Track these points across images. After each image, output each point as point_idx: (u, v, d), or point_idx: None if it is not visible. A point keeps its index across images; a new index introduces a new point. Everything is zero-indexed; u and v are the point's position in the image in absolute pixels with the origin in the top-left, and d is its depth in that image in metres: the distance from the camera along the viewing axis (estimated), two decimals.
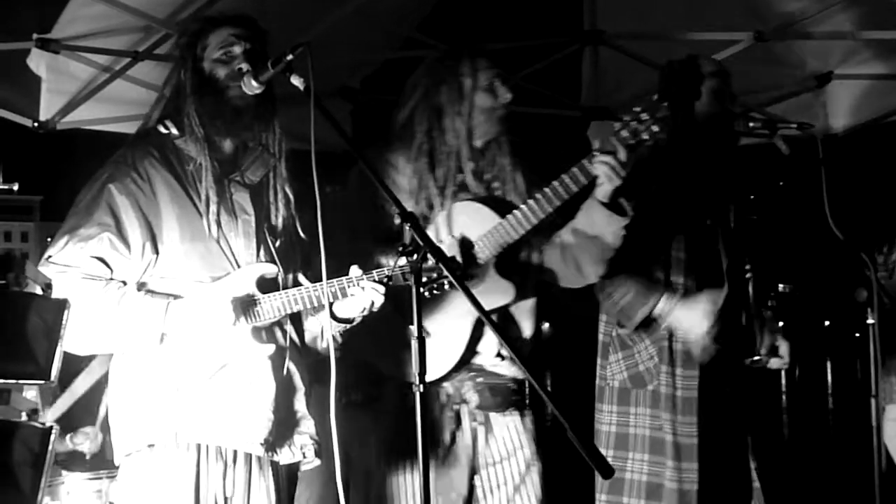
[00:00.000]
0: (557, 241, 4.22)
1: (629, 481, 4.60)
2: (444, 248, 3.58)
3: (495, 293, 4.05)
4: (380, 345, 3.99)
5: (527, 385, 4.25)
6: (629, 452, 4.61)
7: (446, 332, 4.02)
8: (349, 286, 3.50)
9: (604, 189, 3.97)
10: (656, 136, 3.93)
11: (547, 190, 3.98)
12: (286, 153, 3.73)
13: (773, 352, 4.89)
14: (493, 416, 4.20)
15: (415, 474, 3.98)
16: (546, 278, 4.29)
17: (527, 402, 4.31)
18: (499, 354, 4.14)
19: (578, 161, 3.97)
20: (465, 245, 4.01)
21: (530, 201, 3.99)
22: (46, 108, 6.72)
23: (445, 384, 4.13)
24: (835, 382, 29.78)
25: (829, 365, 33.74)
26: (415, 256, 3.25)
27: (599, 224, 4.05)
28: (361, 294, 3.51)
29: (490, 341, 4.14)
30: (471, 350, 4.11)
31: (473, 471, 4.18)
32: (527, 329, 4.25)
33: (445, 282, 3.40)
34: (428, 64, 4.35)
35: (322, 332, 3.74)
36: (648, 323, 4.59)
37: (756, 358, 4.84)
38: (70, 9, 5.80)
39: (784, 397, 24.22)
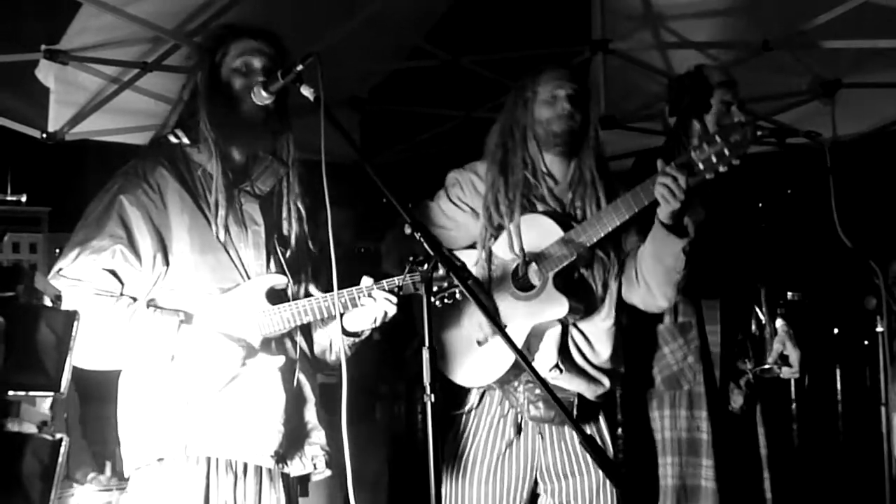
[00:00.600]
0: (632, 261, 4.22)
1: (663, 487, 4.60)
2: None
3: (549, 306, 4.05)
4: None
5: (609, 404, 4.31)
6: (659, 458, 4.61)
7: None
8: (360, 297, 3.50)
9: (663, 210, 3.95)
10: (731, 165, 3.87)
11: (609, 209, 4.00)
12: (296, 163, 3.74)
13: (784, 360, 4.87)
14: (556, 429, 4.18)
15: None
16: (626, 298, 4.28)
17: (601, 418, 4.29)
18: (557, 366, 4.12)
19: (643, 182, 3.96)
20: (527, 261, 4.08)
21: (591, 219, 4.02)
22: (55, 119, 6.74)
23: (508, 391, 4.14)
24: (844, 390, 29.68)
25: (838, 372, 33.62)
26: (425, 266, 3.25)
27: (659, 245, 4.04)
28: (373, 305, 3.52)
29: (548, 353, 4.13)
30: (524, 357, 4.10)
31: (535, 480, 4.17)
32: (604, 351, 4.21)
33: (457, 291, 3.40)
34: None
35: (331, 344, 3.74)
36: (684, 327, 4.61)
37: (766, 367, 4.83)
38: (79, 20, 5.82)
39: (794, 405, 24.13)
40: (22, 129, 6.84)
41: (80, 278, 3.39)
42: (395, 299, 3.52)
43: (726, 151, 3.81)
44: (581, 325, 4.19)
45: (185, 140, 3.61)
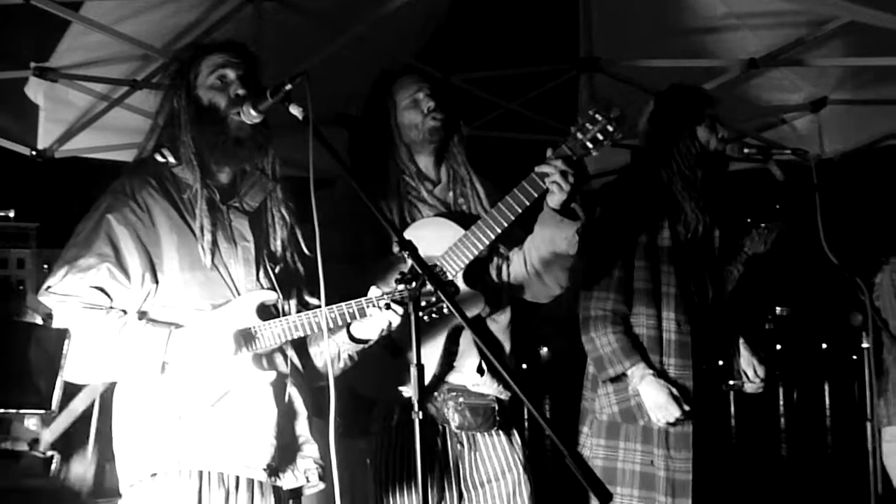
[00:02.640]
0: (520, 253, 4.25)
1: None
2: None
3: (467, 305, 4.06)
4: (366, 373, 4.00)
5: (520, 406, 4.27)
6: (617, 487, 4.59)
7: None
8: (368, 306, 3.53)
9: (554, 198, 3.99)
10: (603, 145, 3.91)
11: (508, 199, 4.00)
12: (282, 178, 3.76)
13: (750, 375, 4.93)
14: (478, 436, 4.22)
15: (412, 497, 4.08)
16: (516, 293, 4.32)
17: (514, 421, 4.32)
18: (479, 370, 4.17)
19: (530, 172, 4.00)
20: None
21: (491, 211, 4.02)
22: (44, 136, 6.76)
23: (427, 405, 4.15)
24: (832, 403, 29.78)
25: (826, 386, 33.74)
26: (413, 284, 3.28)
27: (551, 231, 4.07)
28: (379, 315, 3.54)
29: (470, 359, 4.18)
30: (446, 365, 4.16)
31: (461, 494, 4.19)
32: (505, 346, 4.28)
33: (444, 307, 3.42)
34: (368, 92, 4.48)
35: (339, 353, 3.75)
36: (618, 379, 4.64)
37: (731, 382, 4.87)
38: (68, 38, 5.84)
39: (783, 419, 24.22)
40: (11, 147, 6.86)
41: (68, 294, 3.41)
42: (401, 310, 3.53)
43: (610, 127, 3.86)
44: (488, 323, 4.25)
45: (172, 160, 3.62)
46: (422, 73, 4.49)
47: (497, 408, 4.22)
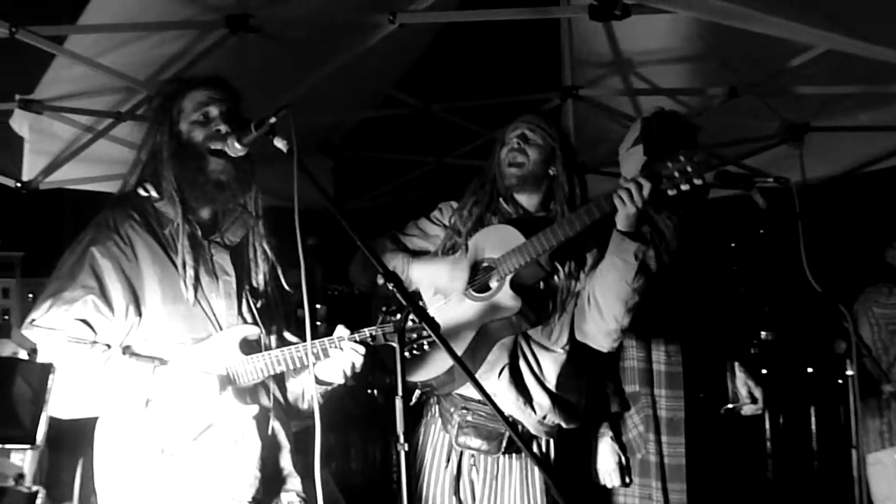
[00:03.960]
0: (588, 288, 4.24)
1: None
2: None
3: (502, 304, 4.11)
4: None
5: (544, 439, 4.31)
6: None
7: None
8: (331, 347, 3.53)
9: (620, 215, 4.00)
10: (692, 184, 3.91)
11: (571, 215, 4.05)
12: (264, 210, 3.76)
13: (750, 398, 4.93)
14: (484, 458, 4.21)
15: None
16: (576, 326, 4.30)
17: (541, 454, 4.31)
18: (503, 371, 4.18)
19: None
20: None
21: (553, 225, 4.05)
22: (29, 168, 6.75)
23: (444, 415, 4.20)
24: (819, 428, 29.77)
25: (812, 411, 33.72)
26: (398, 316, 3.28)
27: (612, 252, 4.07)
28: (341, 355, 3.55)
29: (498, 361, 4.18)
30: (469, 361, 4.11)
31: None
32: (550, 375, 4.25)
33: (426, 342, 3.43)
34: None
35: (304, 392, 3.77)
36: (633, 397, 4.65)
37: (730, 406, 4.88)
38: (52, 70, 5.84)
39: (769, 443, 24.18)
40: None
41: (53, 327, 3.40)
42: (362, 350, 3.55)
43: (689, 168, 3.86)
44: (533, 345, 4.24)
45: (154, 194, 3.63)
46: (540, 114, 4.56)
47: (508, 435, 4.16)
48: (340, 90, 6.11)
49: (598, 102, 6.84)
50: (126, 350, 3.47)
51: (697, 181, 3.88)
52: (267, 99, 3.62)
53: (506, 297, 4.10)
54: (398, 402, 3.10)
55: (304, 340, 3.47)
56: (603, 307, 4.14)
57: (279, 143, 3.27)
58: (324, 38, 5.69)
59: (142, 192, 3.65)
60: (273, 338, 3.71)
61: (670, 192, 3.90)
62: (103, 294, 3.44)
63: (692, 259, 4.75)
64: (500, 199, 4.35)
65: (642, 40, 6.34)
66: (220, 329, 3.56)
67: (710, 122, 4.95)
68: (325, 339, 3.54)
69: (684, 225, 4.70)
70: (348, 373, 3.61)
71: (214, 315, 3.57)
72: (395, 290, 3.16)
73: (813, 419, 31.76)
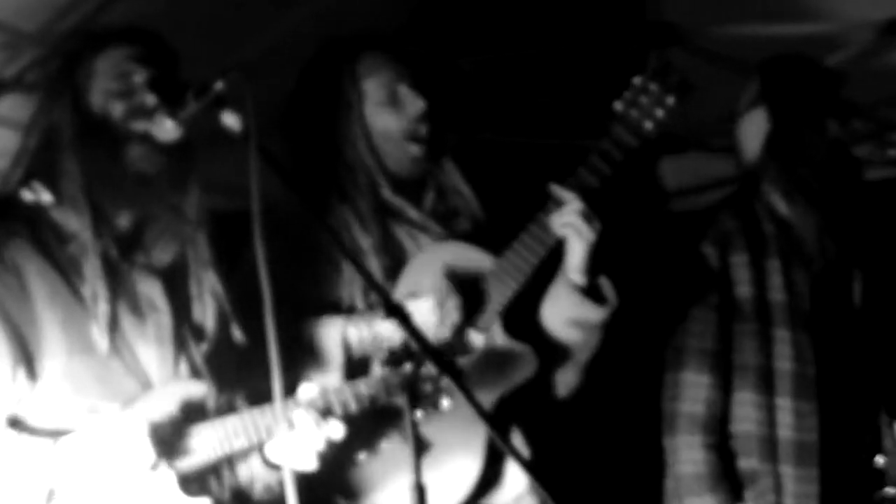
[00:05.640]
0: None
1: None
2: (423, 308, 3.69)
3: (512, 364, 4.09)
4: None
5: None
6: None
7: (451, 449, 4.00)
8: (310, 411, 3.53)
9: (572, 256, 4.04)
10: (658, 125, 4.03)
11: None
12: (207, 215, 3.75)
13: None
14: None
15: None
16: None
17: None
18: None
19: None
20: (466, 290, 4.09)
21: (524, 237, 4.06)
22: None
23: None
24: None
25: None
26: (407, 365, 3.25)
27: (566, 309, 4.12)
28: (311, 429, 3.52)
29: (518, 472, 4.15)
30: (487, 480, 4.12)
31: None
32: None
33: (442, 398, 3.42)
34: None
35: (252, 482, 3.76)
36: None
37: (890, 492, 4.88)
38: None
39: None
40: None
41: None
42: (341, 427, 3.55)
43: (669, 100, 4.03)
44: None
45: (47, 197, 3.60)
46: (401, 54, 4.52)
47: None
48: (317, 41, 6.11)
49: (699, 47, 6.79)
50: (15, 425, 3.41)
51: (676, 110, 4.01)
52: (214, 56, 3.59)
53: (511, 351, 4.10)
54: (412, 493, 3.09)
55: (266, 402, 3.46)
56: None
57: (230, 120, 3.25)
58: None
59: (29, 196, 3.63)
60: (226, 396, 3.72)
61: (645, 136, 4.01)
62: None
63: (843, 273, 4.75)
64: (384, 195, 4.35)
65: None
66: (150, 388, 3.54)
67: (858, 71, 4.90)
68: (303, 396, 3.53)
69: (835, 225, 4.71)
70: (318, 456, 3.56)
71: (141, 368, 3.56)
72: (401, 327, 3.14)
73: None
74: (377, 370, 3.61)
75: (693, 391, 4.61)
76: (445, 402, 3.50)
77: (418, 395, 3.39)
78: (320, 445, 3.53)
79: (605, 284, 4.09)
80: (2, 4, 5.59)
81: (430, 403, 3.52)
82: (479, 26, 5.91)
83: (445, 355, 3.29)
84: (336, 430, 3.53)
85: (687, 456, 4.61)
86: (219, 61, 3.33)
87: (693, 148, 6.90)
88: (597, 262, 4.02)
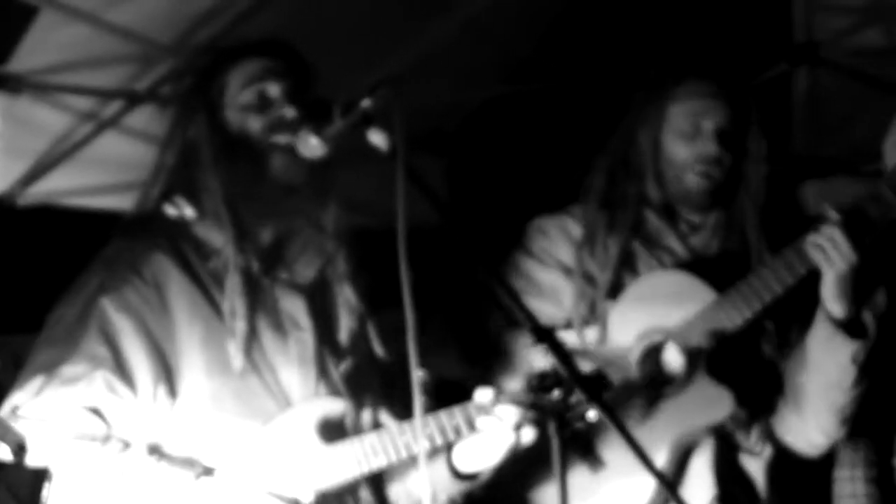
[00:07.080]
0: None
1: None
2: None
3: (703, 404, 4.03)
4: None
5: None
6: None
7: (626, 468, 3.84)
8: (476, 417, 3.48)
9: (826, 287, 3.90)
10: None
11: (775, 263, 3.98)
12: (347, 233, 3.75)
13: None
14: None
15: None
16: (774, 431, 4.25)
17: None
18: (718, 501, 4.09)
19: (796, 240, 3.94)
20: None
21: (753, 277, 3.99)
22: (3, 174, 6.83)
23: None
24: None
25: None
26: (555, 392, 3.21)
27: (819, 346, 3.99)
28: (499, 428, 3.48)
29: (700, 484, 4.10)
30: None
31: None
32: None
33: (587, 411, 3.36)
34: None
35: (434, 496, 3.69)
36: None
37: None
38: (35, 32, 5.86)
39: None
40: None
41: (47, 418, 3.32)
42: (533, 432, 3.49)
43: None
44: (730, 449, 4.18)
45: (190, 212, 3.63)
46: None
47: None
48: (460, 56, 6.08)
49: (848, 66, 6.68)
50: (153, 450, 3.39)
51: None
52: (350, 71, 3.55)
53: (706, 392, 4.03)
54: None
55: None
56: (807, 414, 4.12)
57: (377, 139, 3.18)
58: None
59: (170, 211, 3.66)
60: (366, 415, 3.70)
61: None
62: (119, 367, 3.42)
63: None
64: (651, 213, 4.28)
65: None
66: (289, 407, 3.54)
67: None
68: (457, 408, 3.49)
69: None
70: (508, 457, 3.54)
71: (281, 388, 3.56)
72: (549, 352, 3.07)
73: None
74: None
75: None
76: (591, 414, 3.44)
77: (565, 422, 3.32)
78: (510, 444, 3.52)
79: (868, 318, 3.97)
80: (136, 16, 5.62)
81: (577, 417, 3.45)
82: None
83: (595, 384, 3.21)
84: (528, 435, 3.50)
85: (848, 489, 4.55)
86: (354, 78, 3.28)
87: (840, 172, 6.81)
88: (857, 293, 3.91)
